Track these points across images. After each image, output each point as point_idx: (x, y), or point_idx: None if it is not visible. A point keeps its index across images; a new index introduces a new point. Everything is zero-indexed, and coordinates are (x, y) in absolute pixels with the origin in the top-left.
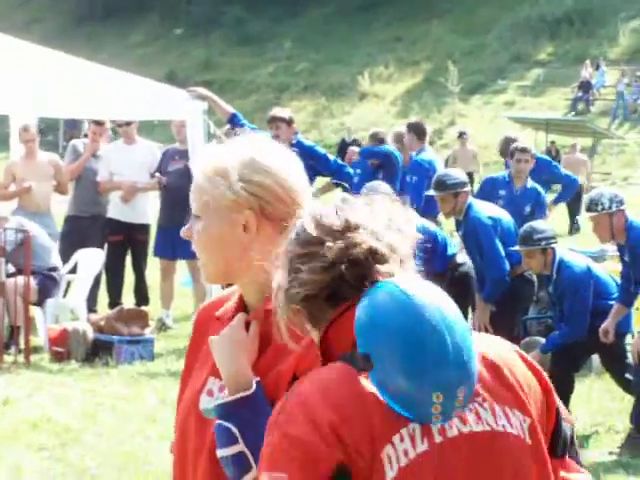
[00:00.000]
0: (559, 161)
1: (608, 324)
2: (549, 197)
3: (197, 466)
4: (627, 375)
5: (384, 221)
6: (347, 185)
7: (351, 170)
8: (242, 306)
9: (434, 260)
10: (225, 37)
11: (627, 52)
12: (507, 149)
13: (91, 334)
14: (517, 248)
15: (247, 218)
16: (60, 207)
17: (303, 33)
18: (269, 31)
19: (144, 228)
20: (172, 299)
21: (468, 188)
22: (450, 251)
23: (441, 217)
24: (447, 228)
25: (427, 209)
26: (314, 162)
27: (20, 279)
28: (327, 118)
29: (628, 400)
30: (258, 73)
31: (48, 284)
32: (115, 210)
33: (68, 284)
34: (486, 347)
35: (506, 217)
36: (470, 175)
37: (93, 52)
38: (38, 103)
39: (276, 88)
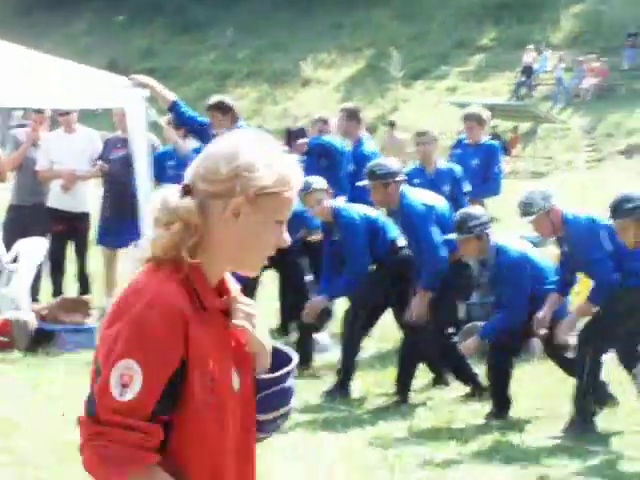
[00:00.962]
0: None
1: (545, 313)
2: None
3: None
4: (568, 355)
5: None
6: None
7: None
8: (219, 289)
9: (376, 245)
10: (167, 25)
11: (569, 37)
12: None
13: (34, 323)
14: (452, 236)
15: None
16: (2, 195)
17: (245, 20)
18: (211, 18)
19: (85, 217)
20: (115, 287)
21: (400, 178)
22: (391, 235)
23: None
24: None
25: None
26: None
27: None
28: (270, 104)
29: (572, 384)
30: (200, 60)
31: None
32: (55, 199)
33: (10, 274)
34: None
35: (441, 203)
36: None
37: (37, 41)
38: None
39: (218, 75)
